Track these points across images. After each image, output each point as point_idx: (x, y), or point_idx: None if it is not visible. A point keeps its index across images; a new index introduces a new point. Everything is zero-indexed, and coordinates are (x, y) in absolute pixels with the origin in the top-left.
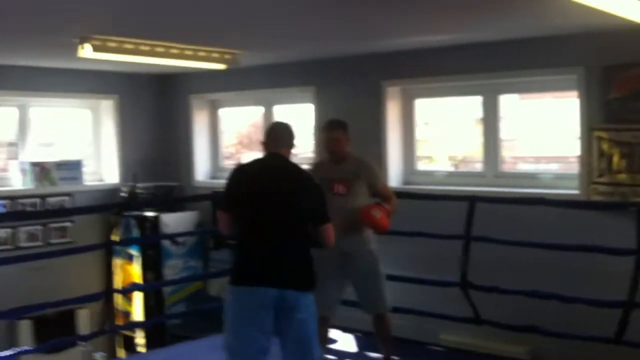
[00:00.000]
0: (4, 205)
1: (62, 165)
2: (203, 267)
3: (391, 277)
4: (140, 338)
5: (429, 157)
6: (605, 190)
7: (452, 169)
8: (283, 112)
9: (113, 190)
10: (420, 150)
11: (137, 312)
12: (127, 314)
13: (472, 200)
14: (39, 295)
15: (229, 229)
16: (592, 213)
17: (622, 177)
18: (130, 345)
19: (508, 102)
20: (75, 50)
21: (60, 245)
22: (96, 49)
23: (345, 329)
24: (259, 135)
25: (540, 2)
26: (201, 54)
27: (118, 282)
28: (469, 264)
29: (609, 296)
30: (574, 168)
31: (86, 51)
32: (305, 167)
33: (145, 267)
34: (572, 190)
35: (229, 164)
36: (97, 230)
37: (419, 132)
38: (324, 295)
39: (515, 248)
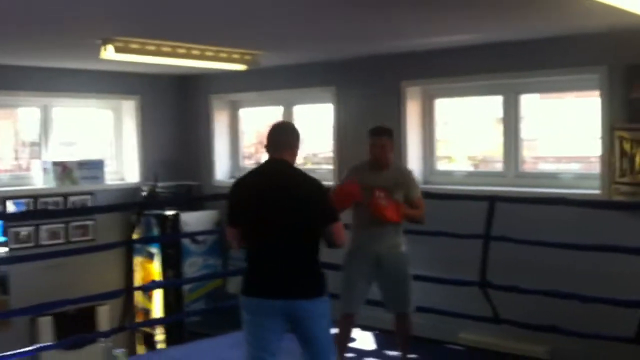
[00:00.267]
0: (27, 204)
1: (83, 164)
2: (222, 265)
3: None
4: (159, 335)
5: (449, 157)
6: (627, 191)
7: (471, 168)
8: (303, 112)
9: (134, 190)
10: (439, 150)
11: (157, 309)
12: (147, 311)
13: (492, 200)
14: (59, 292)
15: (237, 242)
16: (613, 213)
17: None
18: (149, 342)
19: (529, 102)
20: (97, 51)
21: (81, 243)
22: (118, 50)
23: (364, 327)
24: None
25: (562, 1)
26: (222, 54)
27: (138, 279)
28: (489, 263)
29: (630, 296)
30: (595, 168)
31: (108, 52)
32: (329, 168)
33: (165, 265)
34: (593, 190)
35: (249, 163)
36: (117, 229)
37: (439, 132)
38: (352, 293)
39: (535, 248)
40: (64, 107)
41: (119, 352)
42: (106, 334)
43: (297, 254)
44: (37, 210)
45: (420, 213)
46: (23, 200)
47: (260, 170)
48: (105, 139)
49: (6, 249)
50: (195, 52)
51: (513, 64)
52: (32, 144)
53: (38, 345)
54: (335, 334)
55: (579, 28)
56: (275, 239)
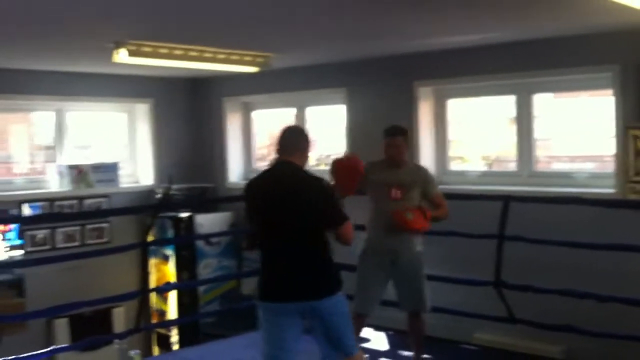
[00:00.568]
0: (43, 207)
1: (98, 167)
2: (237, 266)
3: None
4: (174, 336)
5: (462, 157)
6: None
7: (485, 168)
8: (315, 114)
9: (148, 192)
10: (452, 150)
11: (172, 310)
12: (162, 313)
13: (506, 199)
14: (75, 294)
15: (249, 243)
16: (627, 212)
17: None
18: (164, 343)
19: (542, 101)
20: (110, 55)
21: (96, 246)
22: (131, 53)
23: (377, 328)
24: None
25: (575, 0)
26: (234, 57)
27: (153, 281)
28: (503, 263)
29: None
30: (610, 167)
31: (121, 56)
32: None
33: (180, 267)
34: (607, 190)
35: (262, 165)
36: (132, 231)
37: (452, 132)
38: (366, 294)
39: (550, 247)
40: (78, 110)
41: (135, 353)
42: (121, 336)
43: (305, 256)
44: (53, 213)
45: (444, 211)
46: (39, 204)
47: (269, 173)
48: (120, 142)
49: (22, 252)
50: (207, 54)
51: (526, 64)
52: (47, 148)
53: (54, 347)
54: None
55: (592, 27)
56: (283, 241)
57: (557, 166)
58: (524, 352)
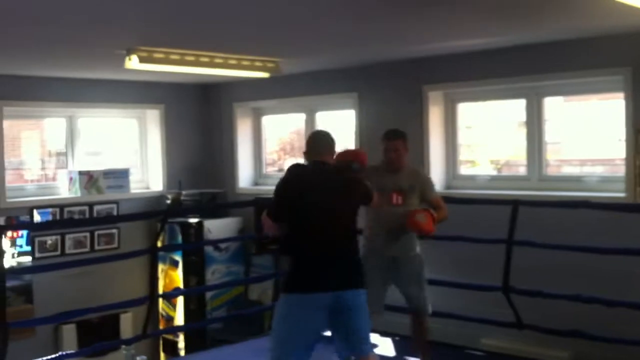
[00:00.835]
0: (53, 214)
1: (109, 173)
2: (245, 272)
3: (433, 282)
4: (181, 342)
5: (472, 161)
6: None
7: (494, 172)
8: (325, 119)
9: (158, 198)
10: (462, 154)
11: (180, 316)
12: (169, 318)
13: (516, 204)
14: (84, 300)
15: (274, 230)
16: (638, 216)
17: None
18: (172, 349)
19: (552, 105)
20: (122, 61)
21: (106, 252)
22: (142, 60)
23: (384, 333)
24: (302, 142)
25: (585, 3)
26: (244, 62)
27: (162, 287)
28: (512, 268)
29: None
30: (620, 170)
31: (133, 62)
32: None
33: (189, 273)
34: (618, 194)
35: (272, 171)
36: (142, 237)
37: (462, 136)
38: (369, 297)
39: (560, 252)
40: (89, 117)
41: (142, 359)
42: (129, 341)
43: (347, 245)
44: (62, 219)
45: (444, 213)
46: (49, 210)
47: (310, 169)
48: (130, 148)
49: (30, 259)
50: (218, 60)
51: (536, 67)
52: (59, 154)
53: (62, 353)
54: None
55: (602, 30)
56: (328, 232)
57: (567, 170)
58: (532, 357)
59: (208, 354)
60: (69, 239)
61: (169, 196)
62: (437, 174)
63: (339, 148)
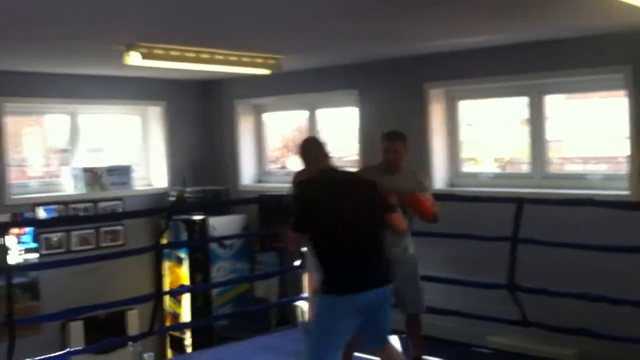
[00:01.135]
0: (57, 210)
1: (112, 170)
2: (250, 269)
3: (438, 280)
4: (188, 339)
5: (474, 159)
6: None
7: (497, 170)
8: (327, 116)
9: (161, 195)
10: (465, 152)
11: (186, 313)
12: (175, 315)
13: (520, 201)
14: (90, 297)
15: (298, 245)
16: None
17: None
18: (178, 346)
19: (554, 103)
20: (122, 58)
21: (111, 249)
22: (144, 56)
23: None
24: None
25: (587, 1)
26: (245, 59)
27: (167, 284)
28: (517, 265)
29: None
30: (623, 168)
31: (134, 59)
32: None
33: (194, 270)
34: (621, 191)
35: (274, 167)
36: (146, 234)
37: (464, 134)
38: None
39: (563, 250)
40: (91, 113)
41: (148, 356)
42: (135, 338)
43: (375, 244)
44: (68, 216)
45: (437, 214)
46: (53, 207)
47: (323, 177)
48: (133, 145)
49: (37, 255)
50: (219, 57)
51: (538, 65)
52: (62, 151)
53: (68, 350)
54: None
55: (604, 28)
56: (357, 234)
57: (570, 168)
58: (537, 355)
59: (215, 351)
60: (75, 235)
61: (173, 193)
62: (439, 172)
63: (338, 146)
